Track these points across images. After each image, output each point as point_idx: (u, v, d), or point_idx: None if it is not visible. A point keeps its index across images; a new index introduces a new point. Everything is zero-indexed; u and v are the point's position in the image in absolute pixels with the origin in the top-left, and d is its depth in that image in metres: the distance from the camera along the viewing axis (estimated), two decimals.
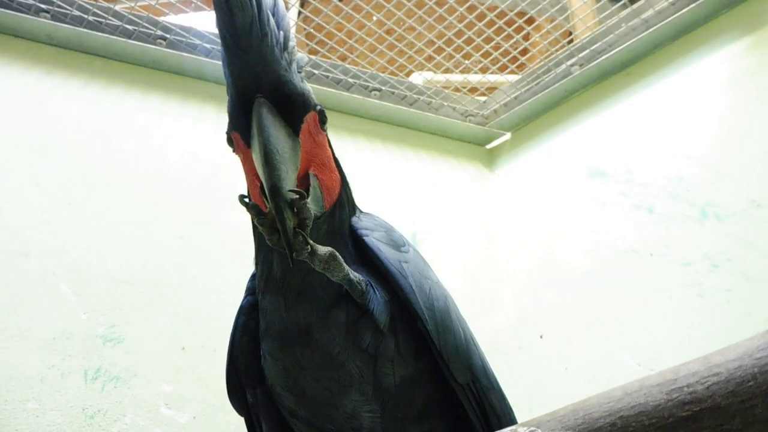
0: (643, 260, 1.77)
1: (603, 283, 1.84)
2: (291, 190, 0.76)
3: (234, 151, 0.88)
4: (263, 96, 0.77)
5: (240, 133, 0.82)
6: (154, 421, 1.47)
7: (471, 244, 2.20)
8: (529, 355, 1.97)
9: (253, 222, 0.94)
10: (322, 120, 0.88)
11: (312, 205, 0.81)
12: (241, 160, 0.88)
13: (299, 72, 0.86)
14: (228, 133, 0.86)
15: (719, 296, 1.59)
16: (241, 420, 1.08)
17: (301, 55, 0.89)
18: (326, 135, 0.92)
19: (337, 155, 0.97)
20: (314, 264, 0.80)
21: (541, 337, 1.95)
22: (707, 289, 1.61)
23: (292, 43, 0.84)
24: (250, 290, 1.02)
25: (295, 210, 0.76)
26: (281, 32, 0.80)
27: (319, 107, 0.88)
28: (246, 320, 1.01)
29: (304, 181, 0.84)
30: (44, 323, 1.47)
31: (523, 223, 2.18)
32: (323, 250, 0.80)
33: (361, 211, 1.00)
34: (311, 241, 0.79)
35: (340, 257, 0.82)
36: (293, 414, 0.94)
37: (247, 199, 0.80)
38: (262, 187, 0.79)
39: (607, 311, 1.81)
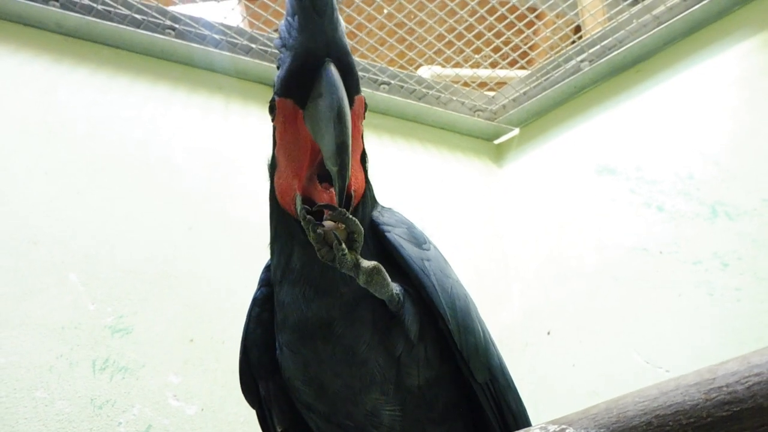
0: (652, 258, 1.76)
1: (612, 280, 1.84)
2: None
3: (273, 120, 0.88)
4: (332, 61, 0.79)
5: (294, 97, 0.82)
6: (162, 413, 1.47)
7: (478, 240, 2.19)
8: (536, 352, 1.96)
9: (272, 209, 0.93)
10: (365, 109, 0.90)
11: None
12: (280, 131, 0.87)
13: None
14: (272, 99, 0.86)
15: (729, 295, 1.58)
16: (249, 413, 1.07)
17: None
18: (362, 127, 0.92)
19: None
20: (358, 278, 0.79)
21: (548, 333, 1.95)
22: (717, 288, 1.61)
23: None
24: (264, 281, 1.01)
25: (345, 224, 0.77)
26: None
27: (363, 96, 0.89)
28: (260, 312, 1.00)
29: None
30: (52, 312, 1.46)
31: (531, 219, 2.17)
32: (367, 264, 0.80)
33: (381, 206, 0.99)
34: (358, 255, 0.79)
35: (384, 272, 0.81)
36: (310, 408, 0.93)
37: (304, 212, 0.79)
38: (313, 160, 0.81)
39: (615, 309, 1.80)
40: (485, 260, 2.16)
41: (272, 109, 0.87)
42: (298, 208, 0.82)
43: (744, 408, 0.42)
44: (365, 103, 0.89)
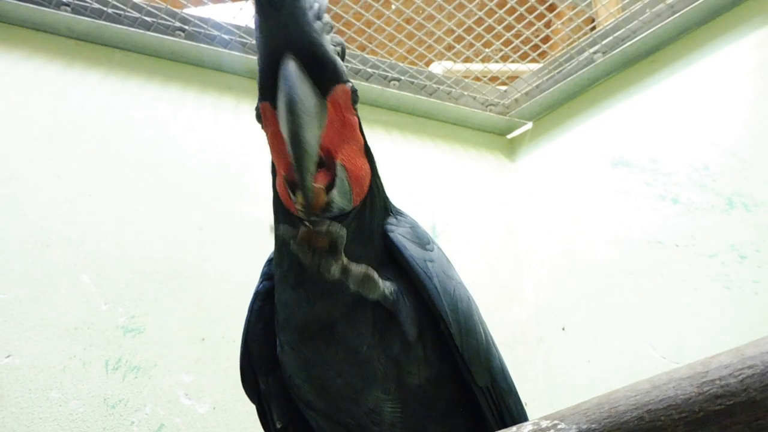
0: (668, 251, 1.73)
1: (627, 274, 1.81)
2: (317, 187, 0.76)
3: (262, 127, 0.86)
4: (292, 55, 0.76)
5: (269, 100, 0.80)
6: (174, 411, 1.48)
7: (492, 236, 2.17)
8: (550, 348, 1.94)
9: (275, 210, 0.92)
10: (354, 99, 0.86)
11: (339, 199, 0.80)
12: (269, 138, 0.85)
13: (334, 47, 0.84)
14: (257, 107, 0.84)
15: (747, 288, 1.55)
16: None
17: (337, 36, 0.87)
18: (358, 118, 0.89)
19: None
20: (348, 283, 0.78)
21: (563, 329, 1.92)
22: (734, 281, 1.57)
23: (325, 14, 0.82)
24: (266, 275, 1.00)
25: (325, 231, 0.75)
26: (316, 1, 0.80)
27: (351, 84, 0.85)
28: (261, 306, 0.99)
29: (329, 175, 0.81)
30: (65, 313, 1.48)
31: (545, 213, 2.15)
32: (357, 269, 0.78)
33: (394, 208, 0.97)
34: (346, 261, 0.77)
35: (375, 275, 0.80)
36: (311, 406, 0.92)
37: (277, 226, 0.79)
38: (290, 167, 0.77)
39: (630, 303, 1.77)
40: (498, 255, 2.14)
41: (258, 116, 0.85)
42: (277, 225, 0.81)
43: (737, 402, 0.41)
44: (353, 92, 0.85)
